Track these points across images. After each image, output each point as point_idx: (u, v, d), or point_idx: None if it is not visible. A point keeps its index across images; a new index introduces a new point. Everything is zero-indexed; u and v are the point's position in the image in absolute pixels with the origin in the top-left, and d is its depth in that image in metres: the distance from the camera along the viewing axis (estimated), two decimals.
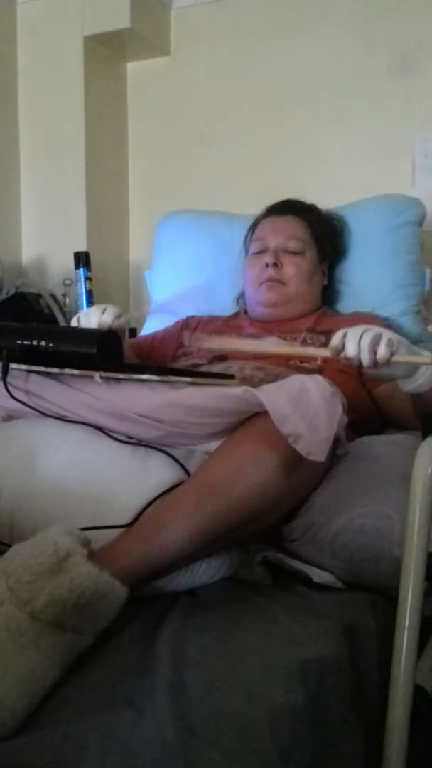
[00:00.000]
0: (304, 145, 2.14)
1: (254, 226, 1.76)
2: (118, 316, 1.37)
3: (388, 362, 1.08)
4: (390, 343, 1.08)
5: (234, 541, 1.03)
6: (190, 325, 1.74)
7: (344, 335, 1.11)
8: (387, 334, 1.09)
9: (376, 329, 1.10)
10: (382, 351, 1.07)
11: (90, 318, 1.36)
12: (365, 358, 1.07)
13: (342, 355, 1.10)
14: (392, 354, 1.07)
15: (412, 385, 1.15)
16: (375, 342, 1.08)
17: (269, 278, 1.62)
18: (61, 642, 0.80)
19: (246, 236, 1.78)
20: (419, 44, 1.99)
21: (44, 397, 1.13)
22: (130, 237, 2.45)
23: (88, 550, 0.89)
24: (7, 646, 0.77)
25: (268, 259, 1.62)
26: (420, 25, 1.99)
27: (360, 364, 1.09)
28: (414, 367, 1.12)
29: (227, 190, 2.22)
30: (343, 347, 1.10)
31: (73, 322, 1.40)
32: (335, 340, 1.11)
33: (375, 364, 1.08)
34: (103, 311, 1.37)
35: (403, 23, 2.01)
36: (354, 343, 1.09)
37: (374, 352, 1.07)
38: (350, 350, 1.09)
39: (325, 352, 1.14)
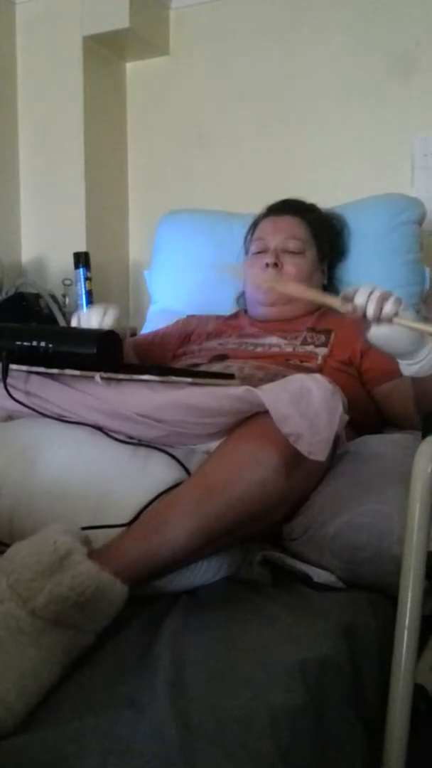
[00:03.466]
0: (304, 144, 2.14)
1: (254, 225, 1.76)
2: (119, 319, 1.37)
3: (390, 319, 1.08)
4: (397, 301, 1.09)
5: (234, 541, 1.03)
6: (190, 324, 1.74)
7: (357, 287, 1.12)
8: (396, 295, 1.10)
9: (387, 289, 1.11)
10: (389, 306, 1.08)
11: (90, 319, 1.36)
12: (371, 309, 1.08)
13: (350, 305, 1.10)
14: (396, 314, 1.08)
15: (413, 367, 1.15)
16: (384, 298, 1.09)
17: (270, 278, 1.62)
18: (62, 640, 0.80)
19: (246, 236, 1.78)
20: (418, 44, 1.99)
21: (44, 397, 1.13)
22: (130, 237, 2.45)
23: (88, 548, 0.89)
24: (7, 644, 0.77)
25: (269, 258, 1.62)
26: (419, 25, 1.99)
27: (364, 316, 1.10)
28: (415, 340, 1.12)
29: (226, 190, 2.22)
30: (353, 296, 1.10)
31: (73, 322, 1.39)
32: (347, 290, 1.12)
33: (378, 318, 1.08)
34: (104, 313, 1.37)
35: (403, 23, 2.01)
36: (364, 293, 1.10)
37: (381, 306, 1.08)
38: (359, 298, 1.10)
39: (334, 300, 1.14)
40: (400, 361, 1.16)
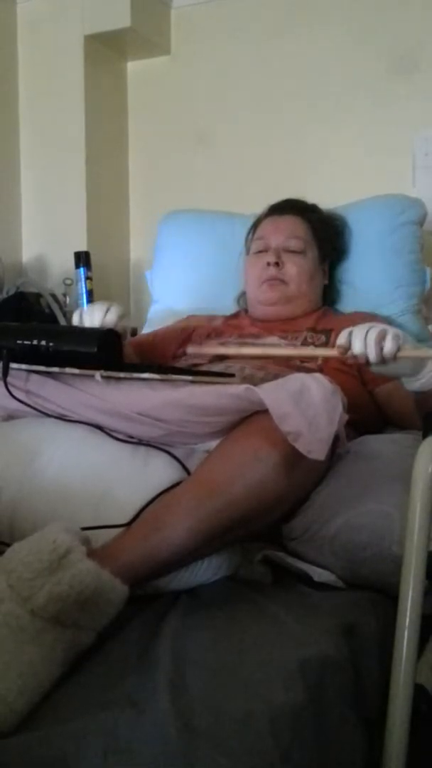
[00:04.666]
0: (305, 144, 2.14)
1: (255, 225, 1.76)
2: (122, 317, 1.36)
3: (394, 357, 1.08)
4: (396, 337, 1.09)
5: (234, 540, 1.02)
6: (189, 324, 1.74)
7: (350, 333, 1.11)
8: (392, 330, 1.10)
9: (380, 326, 1.11)
10: (388, 346, 1.08)
11: (93, 315, 1.34)
12: (372, 354, 1.08)
13: (349, 353, 1.11)
14: (398, 349, 1.08)
15: (417, 383, 1.15)
16: (381, 338, 1.09)
17: (270, 277, 1.62)
18: (62, 639, 0.80)
19: (247, 235, 1.78)
20: (419, 43, 1.99)
21: (45, 396, 1.13)
22: (131, 236, 2.45)
23: (87, 548, 0.89)
24: (7, 643, 0.77)
25: (270, 258, 1.62)
26: (420, 24, 1.98)
27: (367, 362, 1.10)
28: (419, 364, 1.13)
29: (227, 189, 2.22)
30: (349, 345, 1.10)
31: (75, 318, 1.38)
32: (341, 339, 1.12)
33: (382, 359, 1.09)
34: (107, 310, 1.35)
35: (403, 22, 2.00)
36: (360, 340, 1.09)
37: (381, 347, 1.08)
38: (357, 347, 1.10)
39: (332, 352, 1.15)
40: (404, 379, 1.17)
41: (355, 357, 1.10)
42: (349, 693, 0.86)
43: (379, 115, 2.05)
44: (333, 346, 1.48)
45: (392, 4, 2.02)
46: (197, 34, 2.28)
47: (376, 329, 1.09)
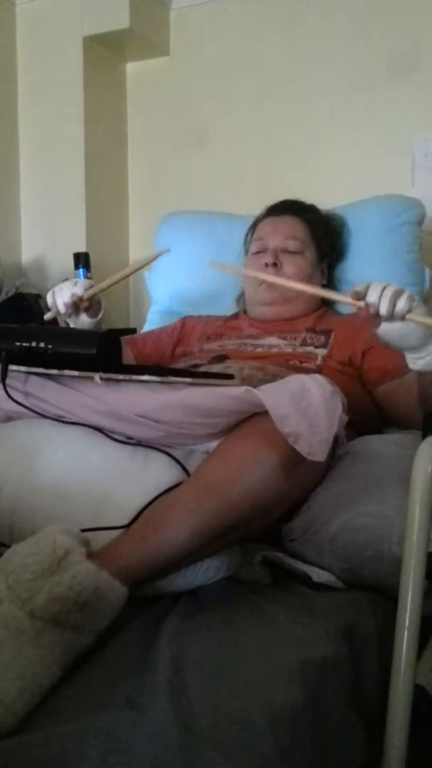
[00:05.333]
0: (304, 145, 2.14)
1: (254, 226, 1.76)
2: (90, 287, 1.38)
3: (403, 317, 1.08)
4: (411, 298, 1.09)
5: (234, 541, 1.03)
6: (187, 324, 1.75)
7: (368, 284, 1.11)
8: (408, 291, 1.10)
9: (398, 285, 1.11)
10: (402, 303, 1.08)
11: (63, 291, 1.37)
12: (384, 307, 1.08)
13: (362, 302, 1.10)
14: (410, 310, 1.08)
15: (420, 361, 1.15)
16: (396, 295, 1.08)
17: None
18: (61, 640, 0.80)
19: (246, 236, 1.78)
20: (419, 44, 1.99)
21: (43, 398, 1.13)
22: (130, 237, 2.45)
23: (87, 549, 0.89)
24: (6, 644, 0.77)
25: (268, 258, 1.62)
26: (419, 25, 1.98)
27: (377, 314, 1.09)
28: (426, 337, 1.12)
29: (227, 190, 2.22)
30: (365, 294, 1.10)
31: (48, 297, 1.40)
32: (358, 286, 1.11)
33: (392, 315, 1.08)
34: (75, 284, 1.38)
35: (403, 23, 2.00)
36: (377, 290, 1.09)
37: (394, 304, 1.08)
38: (372, 296, 1.09)
39: (346, 298, 1.13)
40: (408, 355, 1.16)
41: (367, 306, 1.09)
42: (349, 694, 0.86)
43: (379, 116, 2.05)
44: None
45: (392, 4, 2.02)
46: (196, 35, 2.28)
47: (393, 286, 1.09)
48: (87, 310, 1.39)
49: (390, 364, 1.39)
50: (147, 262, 1.47)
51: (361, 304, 1.10)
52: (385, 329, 1.12)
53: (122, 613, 0.87)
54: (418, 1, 1.99)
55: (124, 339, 1.68)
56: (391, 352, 1.19)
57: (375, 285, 1.10)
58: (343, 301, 1.16)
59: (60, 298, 1.37)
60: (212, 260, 1.39)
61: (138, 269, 1.43)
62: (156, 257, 1.46)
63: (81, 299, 1.36)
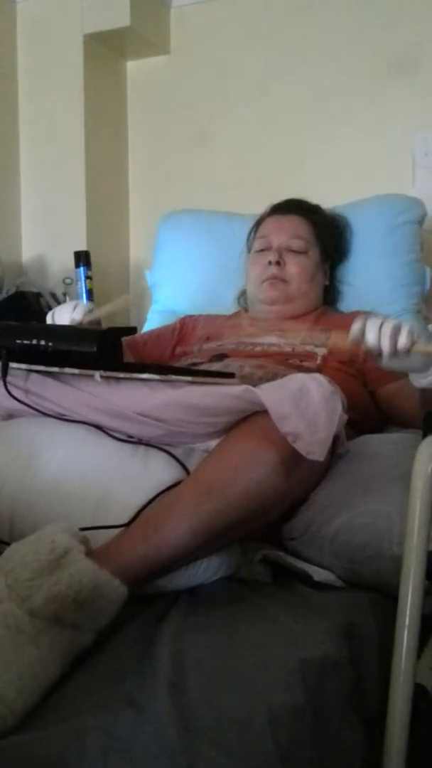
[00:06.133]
0: (304, 144, 2.14)
1: (258, 223, 1.76)
2: (89, 312, 1.38)
3: (408, 352, 1.07)
4: (411, 333, 1.08)
5: (234, 540, 1.02)
6: (186, 324, 1.74)
7: (364, 325, 1.10)
8: (407, 324, 1.09)
9: (395, 320, 1.10)
10: (403, 341, 1.07)
11: (62, 314, 1.37)
12: (386, 347, 1.07)
13: (362, 345, 1.09)
14: (413, 344, 1.08)
15: (425, 380, 1.15)
16: (396, 332, 1.08)
17: (272, 276, 1.62)
18: (61, 639, 0.80)
19: (249, 234, 1.78)
20: (419, 43, 1.99)
21: (44, 396, 1.13)
22: (131, 236, 2.45)
23: (86, 548, 0.89)
24: (6, 643, 0.77)
25: (272, 257, 1.62)
26: (420, 24, 1.98)
27: (379, 354, 1.09)
28: (429, 360, 1.12)
29: (227, 189, 2.22)
30: (362, 336, 1.09)
31: (48, 319, 1.40)
32: (354, 329, 1.10)
33: (395, 353, 1.08)
34: (75, 307, 1.38)
35: (403, 22, 2.00)
36: (374, 332, 1.08)
37: (395, 341, 1.07)
38: (370, 339, 1.08)
39: (344, 343, 1.13)
40: (411, 375, 1.16)
41: (367, 349, 1.09)
42: (349, 693, 0.86)
43: (379, 115, 2.05)
44: (332, 343, 1.49)
45: (392, 4, 2.02)
46: (197, 34, 2.27)
47: (390, 323, 1.08)
48: None
49: None
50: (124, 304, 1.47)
51: (363, 348, 1.09)
52: (389, 364, 1.12)
53: (122, 611, 0.87)
54: (418, 1, 1.99)
55: (124, 340, 1.68)
56: None
57: (371, 325, 1.09)
58: (346, 349, 1.14)
59: (59, 322, 1.37)
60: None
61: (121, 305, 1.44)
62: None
63: (80, 324, 1.35)
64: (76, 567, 0.83)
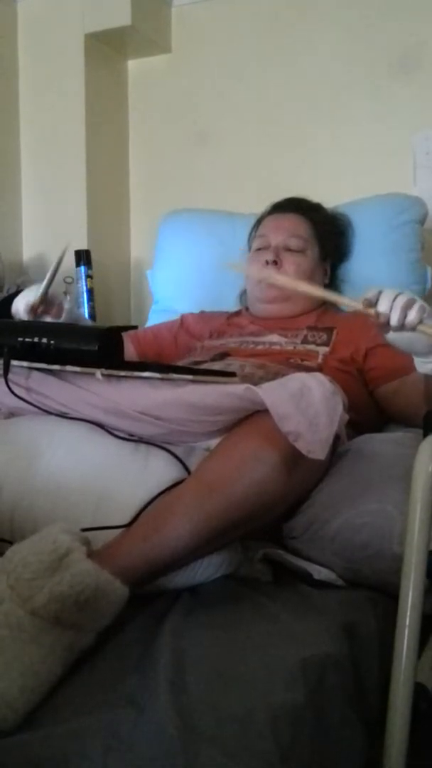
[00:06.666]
0: (305, 143, 2.13)
1: (258, 222, 1.76)
2: (43, 295, 1.37)
3: (414, 328, 1.08)
4: (422, 309, 1.09)
5: (234, 539, 1.03)
6: (186, 321, 1.75)
7: (380, 291, 1.10)
8: (420, 301, 1.10)
9: (410, 294, 1.10)
10: (413, 315, 1.08)
11: (20, 301, 1.37)
12: (395, 317, 1.08)
13: (372, 310, 1.09)
14: (421, 321, 1.08)
15: (429, 366, 1.16)
16: (408, 305, 1.08)
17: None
18: (62, 639, 0.80)
19: (250, 233, 1.78)
20: (420, 42, 1.99)
21: (45, 394, 1.13)
22: (131, 235, 2.45)
23: (87, 548, 0.89)
24: (8, 643, 0.77)
25: (269, 256, 1.62)
26: (421, 23, 1.98)
27: (387, 323, 1.09)
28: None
29: (228, 188, 2.22)
30: (375, 301, 1.09)
31: (12, 308, 1.39)
32: (369, 293, 1.11)
33: (402, 326, 1.08)
34: (30, 292, 1.38)
35: (404, 21, 2.00)
36: (388, 300, 1.08)
37: (405, 314, 1.08)
38: (383, 305, 1.09)
39: (356, 304, 1.13)
40: (417, 359, 1.17)
41: (377, 315, 1.09)
42: (350, 692, 0.86)
43: (380, 114, 2.05)
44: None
45: (392, 3, 2.01)
46: (198, 33, 2.27)
47: (405, 296, 1.09)
48: (46, 313, 1.39)
49: (394, 364, 1.39)
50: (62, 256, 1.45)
51: (372, 312, 1.09)
52: (394, 338, 1.12)
53: (123, 611, 0.87)
54: (418, 1, 1.99)
55: (126, 335, 1.68)
56: (395, 351, 1.19)
57: (386, 293, 1.09)
58: (353, 306, 1.15)
59: (20, 307, 1.37)
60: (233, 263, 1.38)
61: (59, 264, 1.42)
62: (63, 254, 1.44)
63: (34, 306, 1.35)
64: (78, 568, 0.83)
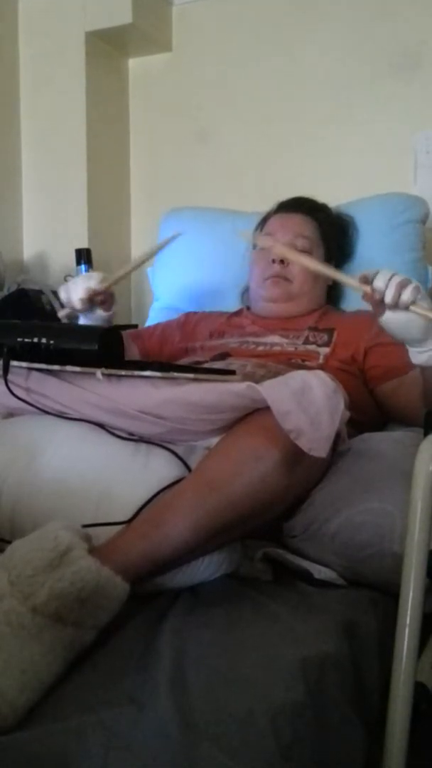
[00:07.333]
0: (306, 142, 2.13)
1: (263, 221, 1.76)
2: (103, 280, 1.37)
3: (407, 307, 1.10)
4: (417, 289, 1.11)
5: (235, 537, 1.03)
6: (189, 320, 1.74)
7: (377, 271, 1.13)
8: (416, 282, 1.12)
9: (405, 276, 1.13)
10: (407, 294, 1.10)
11: (77, 286, 1.36)
12: (390, 294, 1.10)
13: (369, 287, 1.12)
14: (414, 302, 1.10)
15: (423, 355, 1.17)
16: (403, 285, 1.11)
17: (275, 274, 1.62)
18: (63, 636, 0.80)
19: (255, 230, 1.78)
20: (421, 41, 1.99)
21: (45, 394, 1.13)
22: (132, 233, 2.45)
23: (88, 545, 0.89)
24: (9, 640, 0.77)
25: (275, 255, 1.62)
26: (422, 22, 1.98)
27: (381, 301, 1.11)
28: (427, 330, 1.14)
29: (228, 187, 2.21)
30: (372, 279, 1.12)
31: (61, 294, 1.38)
32: (367, 271, 1.14)
33: (396, 304, 1.10)
34: (89, 278, 1.37)
35: (405, 19, 2.00)
36: (384, 277, 1.12)
37: (399, 293, 1.10)
38: (379, 282, 1.11)
39: (353, 281, 1.16)
40: (411, 349, 1.18)
41: (373, 290, 1.11)
42: (350, 691, 0.86)
43: (381, 113, 2.04)
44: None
45: (393, 2, 2.01)
46: (199, 31, 2.27)
47: (401, 276, 1.12)
48: (102, 303, 1.38)
49: (393, 362, 1.39)
50: (160, 247, 1.45)
51: (368, 288, 1.12)
52: (388, 318, 1.14)
53: (123, 609, 0.87)
54: (418, 0, 1.99)
55: (129, 333, 1.68)
56: (394, 350, 1.20)
57: (383, 272, 1.12)
58: (350, 283, 1.18)
59: (75, 294, 1.35)
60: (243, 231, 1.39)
61: (151, 256, 1.41)
62: (169, 241, 1.44)
63: (96, 293, 1.35)
64: (79, 564, 0.83)
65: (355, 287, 1.15)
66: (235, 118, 2.23)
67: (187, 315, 1.77)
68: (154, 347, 1.70)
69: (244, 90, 2.22)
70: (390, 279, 1.11)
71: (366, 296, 1.14)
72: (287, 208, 1.72)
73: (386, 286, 1.11)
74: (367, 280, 1.13)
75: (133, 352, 1.66)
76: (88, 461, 1.07)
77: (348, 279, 1.20)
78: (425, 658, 0.97)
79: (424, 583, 0.93)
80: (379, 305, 1.13)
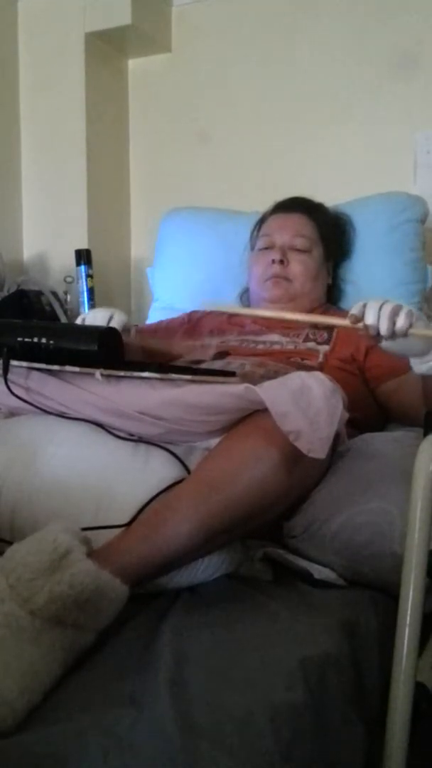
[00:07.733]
0: (306, 142, 2.13)
1: (261, 221, 1.75)
2: (124, 324, 1.39)
3: (405, 333, 1.08)
4: (410, 314, 1.09)
5: (234, 538, 1.02)
6: (193, 318, 1.75)
7: (364, 305, 1.11)
8: (406, 307, 1.10)
9: (394, 302, 1.11)
10: (401, 321, 1.08)
11: (96, 321, 1.37)
12: (384, 327, 1.08)
13: (360, 324, 1.10)
14: (410, 326, 1.08)
15: (425, 366, 1.16)
16: (395, 312, 1.09)
17: (275, 274, 1.62)
18: (62, 639, 0.80)
19: (253, 231, 1.78)
20: (421, 40, 1.99)
21: (45, 394, 1.13)
22: (132, 234, 2.45)
23: (87, 548, 0.89)
24: (8, 643, 0.77)
25: (275, 255, 1.62)
26: (421, 21, 1.98)
27: (377, 334, 1.10)
28: (428, 344, 1.13)
29: (228, 187, 2.21)
30: (362, 316, 1.10)
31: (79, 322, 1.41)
32: (355, 309, 1.11)
33: (393, 334, 1.08)
34: (110, 317, 1.38)
35: (405, 19, 2.00)
36: (374, 311, 1.09)
37: (393, 322, 1.08)
38: (369, 318, 1.09)
39: (344, 322, 1.13)
40: (412, 359, 1.17)
41: (366, 328, 1.09)
42: (350, 691, 0.86)
43: (380, 113, 2.04)
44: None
45: (393, 2, 2.01)
46: (198, 32, 2.27)
47: (390, 304, 1.09)
48: None
49: (393, 362, 1.39)
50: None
51: (361, 326, 1.10)
52: (388, 345, 1.12)
53: (123, 611, 0.87)
54: (418, 0, 1.98)
55: (136, 329, 1.68)
56: None
57: (371, 305, 1.10)
58: (342, 324, 1.15)
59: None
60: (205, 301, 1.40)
61: None
62: None
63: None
64: (78, 567, 0.83)
65: (348, 326, 1.12)
66: (235, 118, 2.23)
67: (190, 314, 1.77)
68: (158, 346, 1.69)
69: (243, 90, 2.22)
70: (380, 310, 1.09)
71: (362, 335, 1.12)
72: (285, 208, 1.72)
73: (378, 319, 1.08)
74: (358, 319, 1.10)
75: (136, 350, 1.66)
76: (88, 461, 1.07)
77: (339, 321, 1.17)
78: (425, 658, 0.97)
79: (424, 583, 0.92)
80: (376, 338, 1.11)
